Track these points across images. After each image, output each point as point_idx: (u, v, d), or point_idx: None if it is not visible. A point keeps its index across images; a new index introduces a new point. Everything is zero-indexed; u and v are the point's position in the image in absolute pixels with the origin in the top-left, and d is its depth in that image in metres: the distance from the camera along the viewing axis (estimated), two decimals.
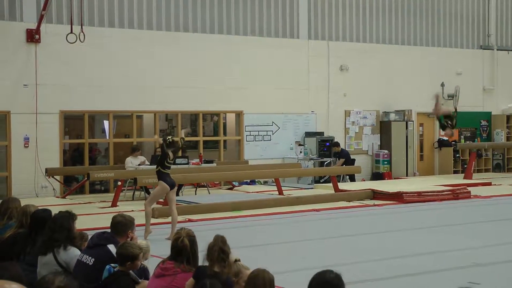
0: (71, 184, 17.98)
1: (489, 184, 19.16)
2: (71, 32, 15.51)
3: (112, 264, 5.59)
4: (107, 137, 19.07)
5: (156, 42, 18.51)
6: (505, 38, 25.12)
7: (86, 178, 16.13)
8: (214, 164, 17.77)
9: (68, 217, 6.19)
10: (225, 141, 20.41)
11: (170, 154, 11.08)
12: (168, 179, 11.16)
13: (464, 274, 8.10)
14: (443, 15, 23.72)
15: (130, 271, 5.65)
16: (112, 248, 5.81)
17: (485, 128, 24.49)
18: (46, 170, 16.56)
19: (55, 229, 6.05)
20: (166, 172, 11.09)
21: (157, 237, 10.74)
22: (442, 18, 23.71)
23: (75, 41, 15.44)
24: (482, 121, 24.43)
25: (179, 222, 12.23)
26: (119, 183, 15.54)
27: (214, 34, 19.50)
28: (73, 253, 6.02)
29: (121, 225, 6.10)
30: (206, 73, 19.16)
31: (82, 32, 15.36)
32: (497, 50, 24.64)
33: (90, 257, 5.76)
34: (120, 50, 18.01)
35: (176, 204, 14.33)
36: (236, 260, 5.38)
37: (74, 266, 5.87)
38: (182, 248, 5.11)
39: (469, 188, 16.80)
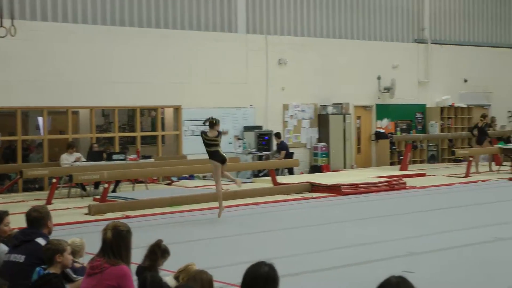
0: (4, 182, 17.52)
1: (424, 175, 19.54)
2: (1, 25, 15.10)
3: (43, 266, 5.46)
4: (42, 134, 18.65)
5: (92, 36, 18.17)
6: (438, 32, 25.61)
7: (19, 176, 15.75)
8: (152, 160, 17.61)
9: None
10: (163, 136, 20.24)
11: (209, 134, 12.32)
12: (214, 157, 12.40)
13: (399, 263, 8.22)
14: (379, 9, 24.03)
15: (67, 270, 5.55)
16: (41, 241, 5.75)
17: (420, 120, 24.96)
18: None
19: None
20: (211, 150, 12.38)
21: (93, 234, 10.53)
22: (378, 12, 24.02)
23: (6, 35, 15.05)
24: (417, 113, 24.88)
25: (116, 218, 12.10)
26: (54, 180, 15.22)
27: (151, 29, 19.28)
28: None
29: (39, 220, 6.04)
30: (143, 68, 18.94)
31: (13, 25, 14.97)
32: (431, 43, 25.11)
33: (20, 255, 5.67)
34: (55, 44, 17.61)
35: (114, 201, 14.26)
36: (191, 265, 5.35)
37: (1, 267, 5.74)
38: (105, 240, 5.04)
39: (405, 179, 17.13)
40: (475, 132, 21.26)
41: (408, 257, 8.70)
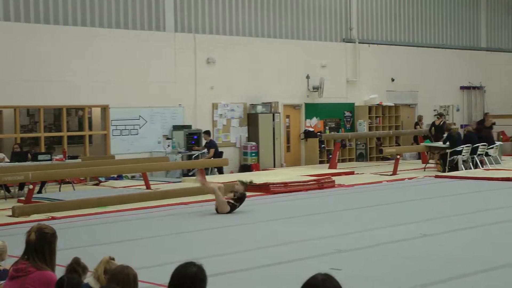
0: None
1: (352, 173, 19.81)
2: None
3: None
4: None
5: (15, 34, 17.69)
6: (365, 32, 26.01)
7: None
8: (79, 160, 17.28)
9: None
10: (90, 136, 19.89)
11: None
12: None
13: (327, 261, 8.28)
14: (307, 9, 24.23)
15: None
16: None
17: (349, 119, 25.29)
18: None
19: None
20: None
21: (17, 237, 10.26)
22: (306, 11, 24.21)
23: None
24: (346, 112, 25.20)
25: (41, 220, 11.84)
26: None
27: (77, 27, 18.92)
28: None
29: None
30: (69, 67, 18.57)
31: None
32: (358, 43, 25.48)
33: None
34: None
35: (39, 202, 13.95)
36: (111, 259, 5.21)
37: None
38: (28, 243, 4.90)
39: (334, 178, 17.28)
40: (432, 130, 22.27)
41: (336, 254, 8.78)
